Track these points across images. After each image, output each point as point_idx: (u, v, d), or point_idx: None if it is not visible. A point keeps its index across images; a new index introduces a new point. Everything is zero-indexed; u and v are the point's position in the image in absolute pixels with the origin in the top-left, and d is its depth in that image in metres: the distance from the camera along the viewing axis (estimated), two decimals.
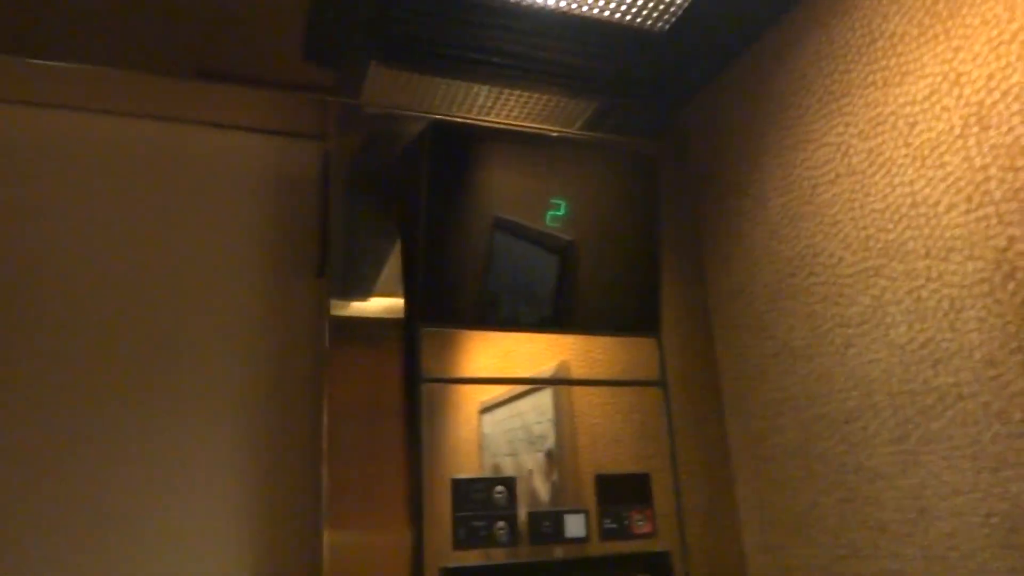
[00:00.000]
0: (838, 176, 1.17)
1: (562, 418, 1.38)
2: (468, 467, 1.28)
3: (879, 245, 1.09)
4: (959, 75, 0.98)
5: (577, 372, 1.40)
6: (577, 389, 1.39)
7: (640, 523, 1.27)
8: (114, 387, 1.14)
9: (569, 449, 1.36)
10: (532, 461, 1.37)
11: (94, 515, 1.09)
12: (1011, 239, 0.91)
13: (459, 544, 1.16)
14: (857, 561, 1.10)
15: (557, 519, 1.23)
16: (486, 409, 1.38)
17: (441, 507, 1.18)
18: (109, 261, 1.21)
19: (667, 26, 1.34)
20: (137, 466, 1.12)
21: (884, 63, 1.10)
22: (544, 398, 1.39)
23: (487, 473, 1.26)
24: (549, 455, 1.36)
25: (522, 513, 1.22)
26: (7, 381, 1.11)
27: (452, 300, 1.29)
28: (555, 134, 1.52)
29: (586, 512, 1.25)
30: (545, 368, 1.41)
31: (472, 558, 1.16)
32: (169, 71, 1.31)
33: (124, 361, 1.16)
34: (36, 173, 1.22)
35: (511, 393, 1.39)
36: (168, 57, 1.31)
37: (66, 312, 1.16)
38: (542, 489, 1.34)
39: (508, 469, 1.37)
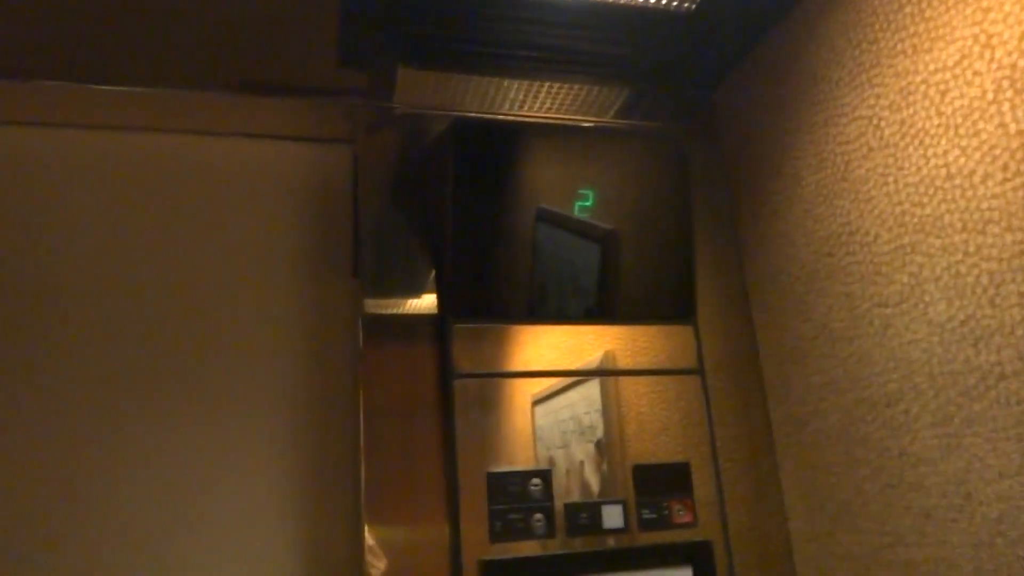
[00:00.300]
0: (871, 150, 1.12)
1: (609, 408, 1.38)
2: (522, 459, 1.29)
3: (915, 220, 1.05)
4: (990, 36, 0.93)
5: (623, 362, 1.39)
6: (624, 379, 1.38)
7: (680, 513, 1.26)
8: (160, 390, 1.20)
9: (617, 439, 1.36)
10: (583, 452, 1.37)
11: (144, 513, 1.15)
12: None
13: (496, 537, 1.17)
14: (903, 549, 1.06)
15: (595, 510, 1.23)
16: (538, 401, 1.38)
17: (480, 501, 1.20)
18: (155, 270, 1.27)
19: (694, 6, 1.31)
20: (183, 466, 1.18)
21: (912, 29, 1.05)
22: (592, 388, 1.39)
23: (542, 465, 1.27)
24: (599, 446, 1.36)
25: (559, 505, 1.22)
26: (57, 385, 1.18)
27: (483, 295, 1.30)
28: (584, 124, 1.50)
29: (624, 502, 1.24)
30: (591, 359, 1.40)
31: (510, 551, 1.17)
32: (212, 86, 1.36)
33: (169, 365, 1.22)
34: (88, 189, 1.29)
35: (562, 384, 1.39)
36: (210, 73, 1.36)
37: (114, 320, 1.22)
38: (593, 480, 1.34)
39: (560, 461, 1.37)
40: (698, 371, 1.35)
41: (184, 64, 1.33)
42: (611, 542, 1.23)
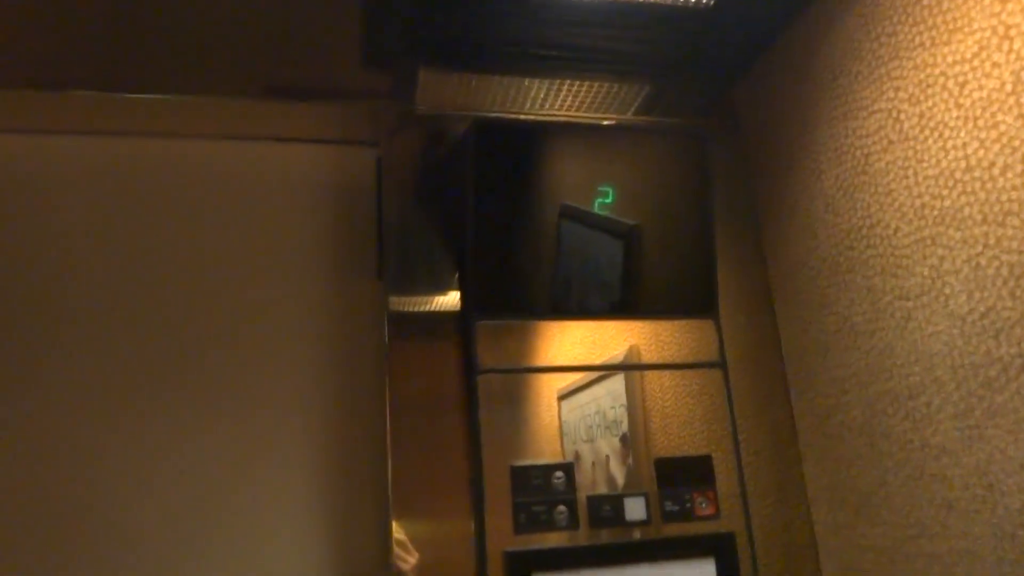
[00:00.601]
0: (890, 143, 1.13)
1: (634, 403, 1.40)
2: (548, 453, 1.32)
3: (935, 213, 1.05)
4: (1008, 28, 0.93)
5: (647, 356, 1.41)
6: (648, 373, 1.40)
7: (702, 505, 1.27)
8: (192, 389, 1.24)
9: (641, 433, 1.37)
10: (609, 446, 1.39)
11: (176, 508, 1.19)
12: None
13: (520, 529, 1.19)
14: (926, 541, 1.07)
15: (617, 503, 1.25)
16: (564, 396, 1.41)
17: (504, 494, 1.22)
18: (186, 272, 1.31)
19: (712, 1, 1.31)
20: (214, 462, 1.21)
21: (931, 22, 1.05)
22: (617, 383, 1.41)
23: (568, 459, 1.29)
24: (624, 440, 1.38)
25: (582, 497, 1.24)
26: (87, 384, 1.22)
27: (506, 292, 1.32)
28: (605, 122, 1.52)
29: (646, 495, 1.26)
30: (616, 354, 1.42)
31: (533, 542, 1.19)
32: (238, 92, 1.40)
33: (201, 365, 1.26)
34: (122, 194, 1.33)
35: (587, 379, 1.42)
36: (237, 79, 1.40)
37: (147, 322, 1.26)
38: (618, 473, 1.36)
39: (586, 455, 1.40)
40: (720, 365, 1.36)
41: (211, 71, 1.38)
42: (635, 534, 1.25)
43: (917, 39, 1.07)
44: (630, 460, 1.37)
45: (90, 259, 1.28)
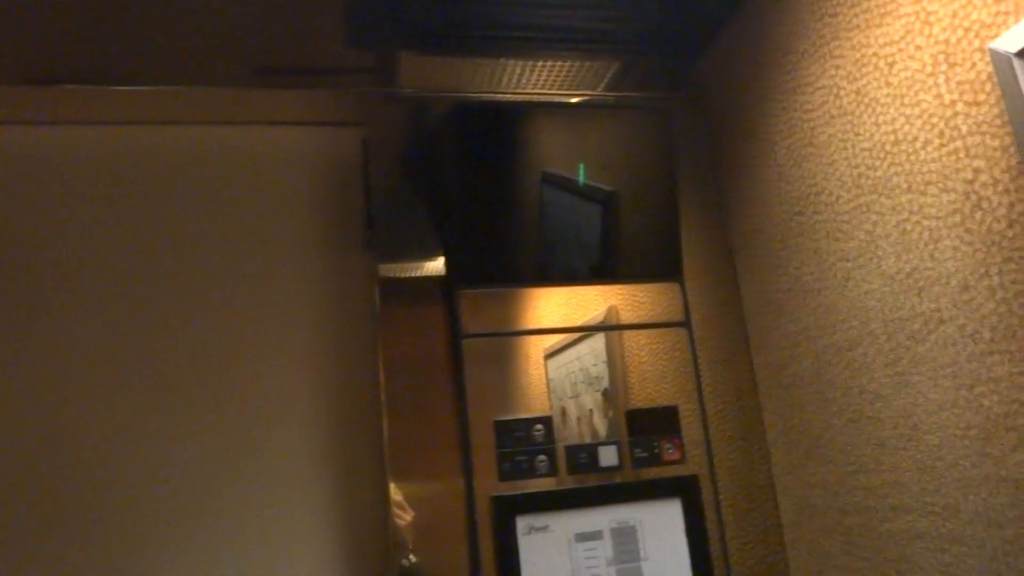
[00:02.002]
0: (832, 117, 1.23)
1: (614, 360, 1.52)
2: (538, 408, 1.43)
3: (869, 182, 1.15)
4: (928, 14, 1.02)
5: (625, 316, 1.52)
6: (626, 332, 1.52)
7: (669, 451, 1.40)
8: (190, 364, 1.34)
9: (621, 387, 1.49)
10: (592, 400, 1.52)
11: (181, 469, 1.31)
12: (976, 171, 0.96)
13: (504, 476, 1.33)
14: (864, 476, 1.20)
15: (592, 451, 1.38)
16: (550, 355, 1.53)
17: (490, 446, 1.35)
18: (181, 253, 1.39)
19: None
20: (213, 429, 1.32)
21: (865, 4, 1.14)
22: (598, 342, 1.53)
23: (555, 413, 1.42)
24: (605, 394, 1.50)
25: (560, 447, 1.37)
26: (82, 365, 1.33)
27: (488, 262, 1.43)
28: (576, 99, 1.61)
29: (618, 443, 1.39)
30: (596, 314, 1.53)
31: (516, 488, 1.33)
32: (226, 79, 1.49)
33: (198, 339, 1.36)
34: (113, 181, 1.40)
35: (572, 338, 1.53)
36: (224, 63, 1.48)
37: (144, 301, 1.36)
38: (600, 426, 1.49)
39: (572, 409, 1.52)
40: (685, 324, 1.48)
41: (200, 59, 1.46)
42: (609, 479, 1.38)
43: (854, 20, 1.16)
44: (611, 413, 1.49)
45: (87, 244, 1.36)
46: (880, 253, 1.14)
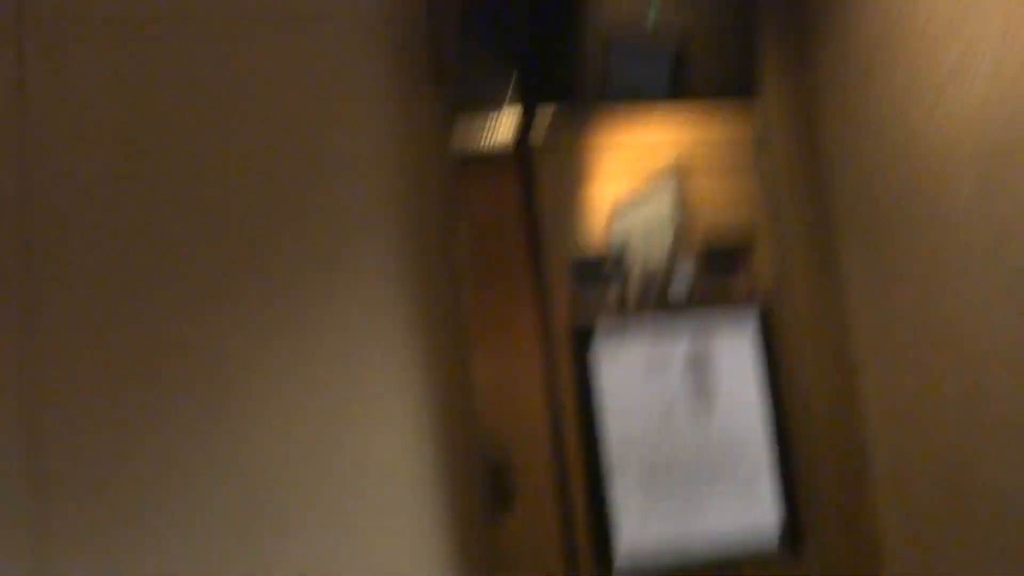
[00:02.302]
0: None
1: (686, 195, 1.51)
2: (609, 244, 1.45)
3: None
4: None
5: (696, 150, 1.50)
6: (697, 172, 1.50)
7: (741, 285, 1.43)
8: (267, 210, 1.31)
9: (693, 222, 1.50)
10: (664, 240, 1.52)
11: (276, 381, 1.27)
12: None
13: (580, 310, 1.39)
14: (944, 296, 1.20)
15: (663, 284, 1.42)
16: (623, 198, 1.53)
17: (567, 284, 1.40)
18: (254, 110, 1.35)
19: None
20: (299, 330, 1.28)
21: None
22: (671, 182, 1.52)
23: (629, 249, 1.44)
24: (678, 232, 1.51)
25: (633, 282, 1.42)
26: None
27: (565, 80, 1.45)
28: None
29: (689, 277, 1.42)
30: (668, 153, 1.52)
31: (593, 322, 1.39)
32: None
33: (276, 213, 1.31)
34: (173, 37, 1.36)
35: (644, 181, 1.53)
36: None
37: (222, 174, 1.31)
38: (674, 261, 1.50)
39: (642, 247, 1.54)
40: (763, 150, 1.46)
41: None
42: (673, 312, 1.42)
43: None
44: (685, 248, 1.50)
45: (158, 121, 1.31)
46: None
